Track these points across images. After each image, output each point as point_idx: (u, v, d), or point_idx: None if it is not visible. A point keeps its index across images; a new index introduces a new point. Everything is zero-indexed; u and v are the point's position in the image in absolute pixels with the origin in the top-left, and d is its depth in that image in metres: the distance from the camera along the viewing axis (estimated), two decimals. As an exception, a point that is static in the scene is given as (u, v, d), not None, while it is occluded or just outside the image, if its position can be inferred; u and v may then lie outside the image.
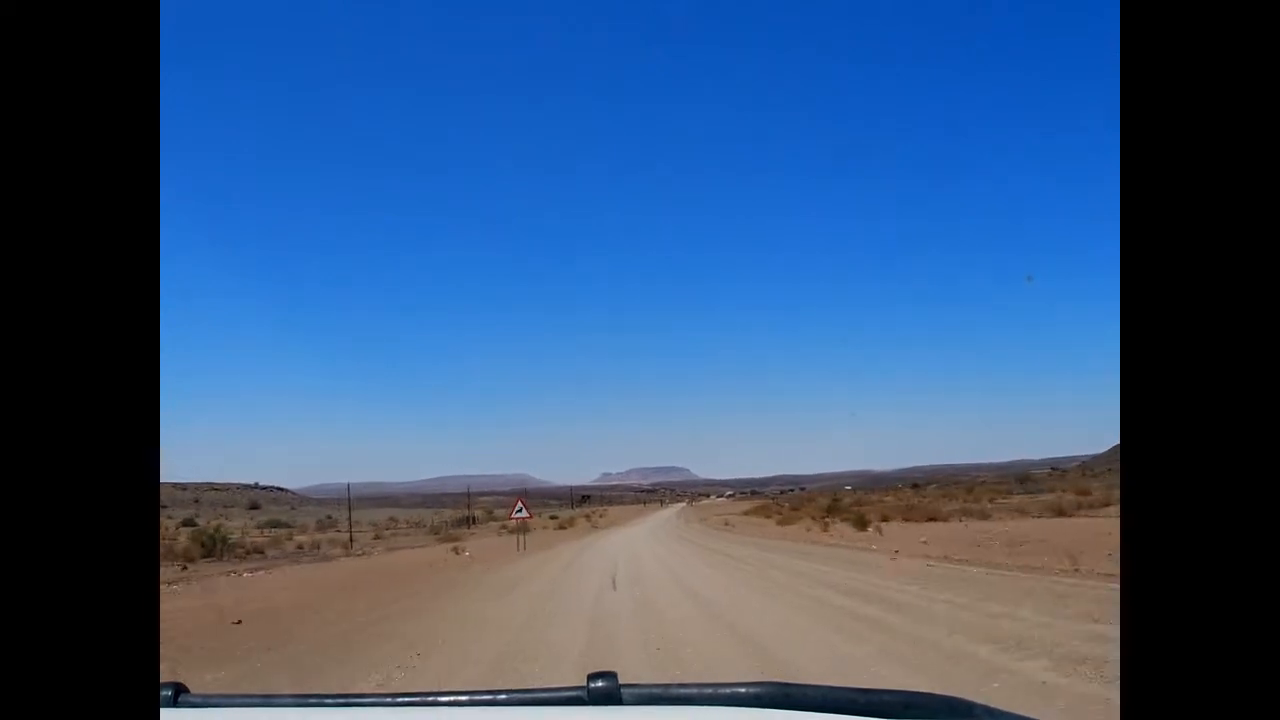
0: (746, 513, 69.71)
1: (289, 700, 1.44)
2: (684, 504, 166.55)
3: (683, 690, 1.33)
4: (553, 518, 76.74)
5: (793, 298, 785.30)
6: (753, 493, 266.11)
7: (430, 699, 1.38)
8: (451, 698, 1.37)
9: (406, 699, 1.37)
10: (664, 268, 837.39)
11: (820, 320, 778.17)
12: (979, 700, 1.27)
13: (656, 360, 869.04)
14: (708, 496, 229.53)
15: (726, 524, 51.23)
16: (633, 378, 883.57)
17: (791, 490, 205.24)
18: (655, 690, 1.32)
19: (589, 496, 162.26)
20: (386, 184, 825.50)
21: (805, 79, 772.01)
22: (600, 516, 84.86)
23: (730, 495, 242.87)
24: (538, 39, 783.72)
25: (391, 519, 76.92)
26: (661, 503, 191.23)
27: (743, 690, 1.28)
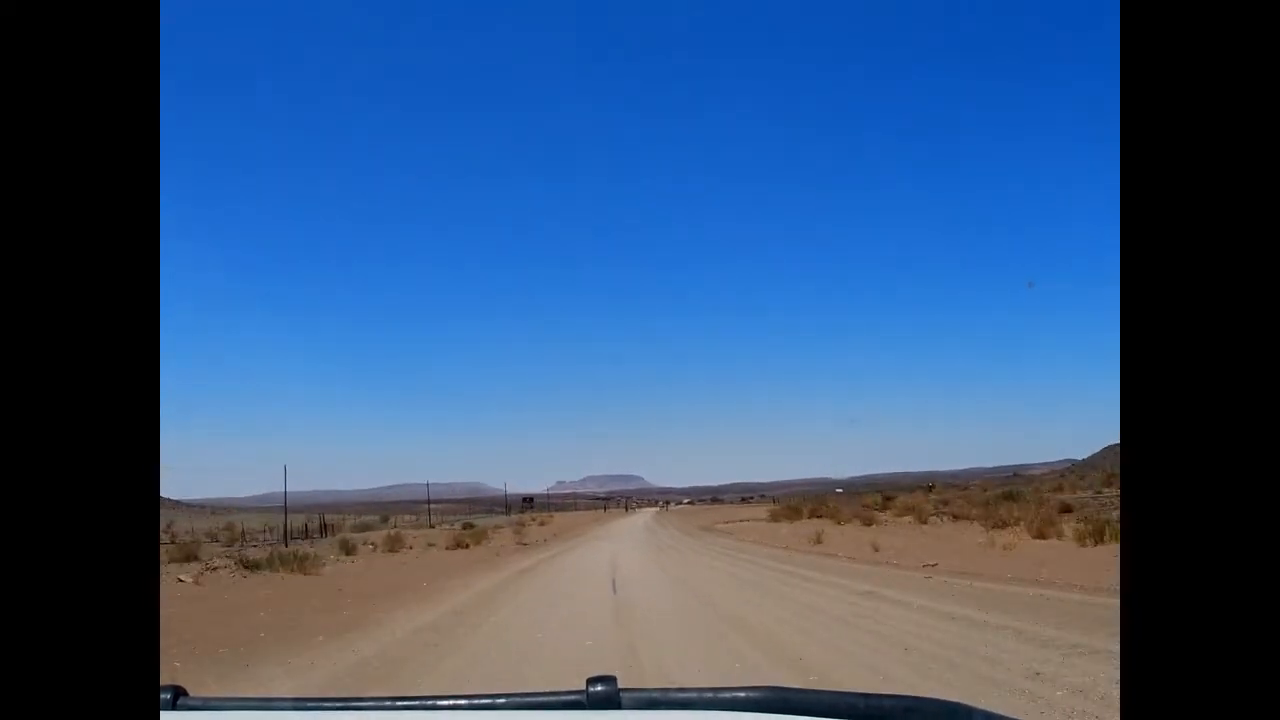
0: (774, 518, 43.65)
1: (288, 703, 1.43)
2: (657, 509, 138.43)
3: (682, 695, 1.33)
4: (466, 527, 45.60)
5: (746, 307, 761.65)
6: (713, 499, 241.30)
7: (430, 703, 1.37)
8: (451, 701, 1.37)
9: (405, 703, 1.36)
10: (621, 281, 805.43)
11: (773, 330, 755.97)
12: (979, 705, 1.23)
13: (611, 369, 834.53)
14: (668, 503, 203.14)
15: (820, 540, 23.54)
16: (588, 387, 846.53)
17: (750, 497, 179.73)
18: (655, 695, 1.33)
19: (532, 499, 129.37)
20: (345, 190, 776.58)
21: (788, 83, 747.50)
22: (541, 525, 56.32)
23: (689, 502, 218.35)
24: (523, 47, 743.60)
25: (229, 526, 51.55)
26: (626, 508, 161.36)
27: (742, 695, 1.27)
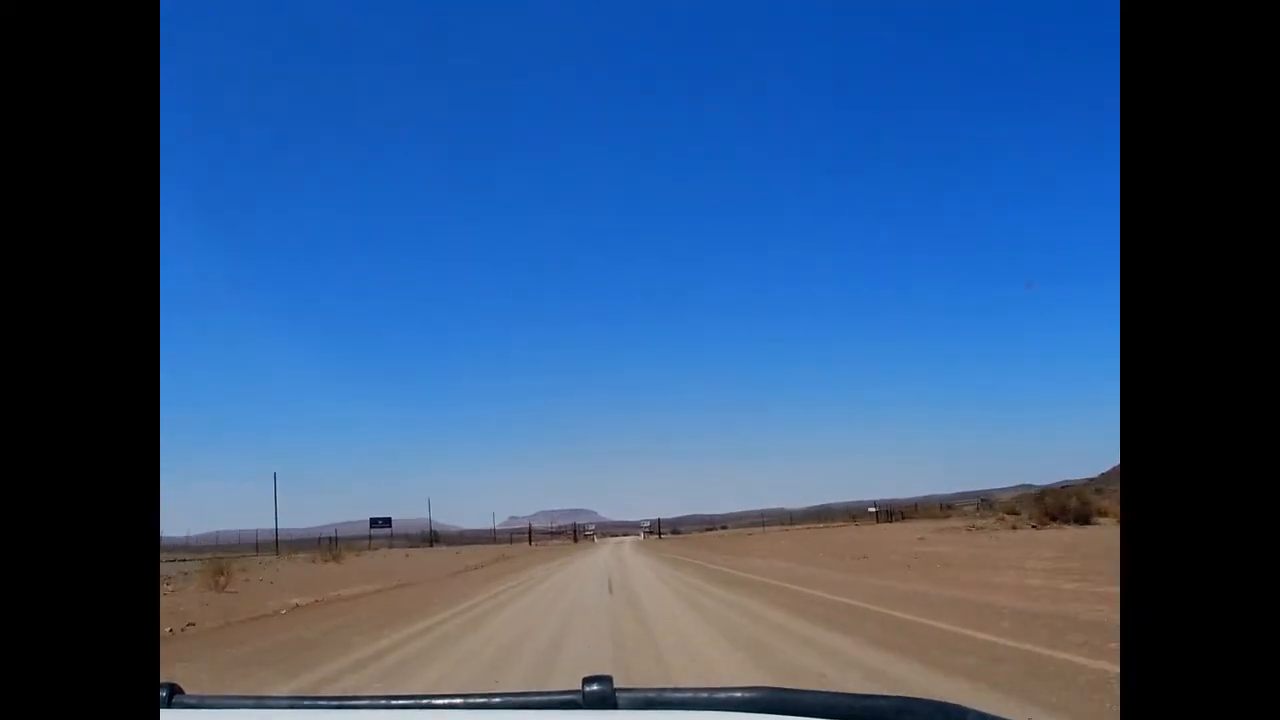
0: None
1: (283, 701, 1.45)
2: (639, 538, 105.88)
3: (678, 695, 1.33)
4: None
5: (695, 337, 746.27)
6: (674, 531, 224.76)
7: (425, 702, 1.38)
8: (446, 700, 1.37)
9: (401, 702, 1.36)
10: (577, 307, 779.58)
11: (723, 361, 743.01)
12: (973, 706, 1.26)
13: (562, 402, 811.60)
14: (652, 530, 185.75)
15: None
16: (539, 420, 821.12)
17: (713, 528, 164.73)
18: (650, 694, 1.32)
19: (389, 521, 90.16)
20: (274, 224, 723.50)
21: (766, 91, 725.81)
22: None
23: (643, 534, 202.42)
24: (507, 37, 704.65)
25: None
26: (576, 538, 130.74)
27: (738, 695, 1.27)
